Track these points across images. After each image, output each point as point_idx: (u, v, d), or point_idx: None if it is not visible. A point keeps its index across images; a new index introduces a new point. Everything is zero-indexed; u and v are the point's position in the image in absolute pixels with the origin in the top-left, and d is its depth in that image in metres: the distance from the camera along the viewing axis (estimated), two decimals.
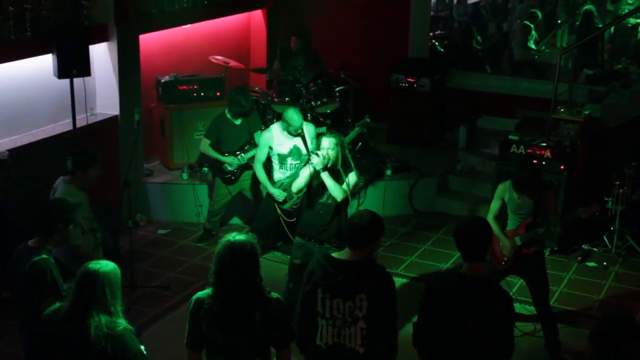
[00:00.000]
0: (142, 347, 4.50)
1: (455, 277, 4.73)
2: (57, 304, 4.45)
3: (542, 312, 6.95)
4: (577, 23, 13.86)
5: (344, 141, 6.93)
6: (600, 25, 13.02)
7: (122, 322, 4.35)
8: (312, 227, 6.85)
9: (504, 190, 6.95)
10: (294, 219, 8.21)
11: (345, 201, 6.84)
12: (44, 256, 5.14)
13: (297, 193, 7.27)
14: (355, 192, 7.08)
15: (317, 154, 6.71)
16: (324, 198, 6.85)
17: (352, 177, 6.79)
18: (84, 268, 4.36)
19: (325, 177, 6.70)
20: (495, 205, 6.97)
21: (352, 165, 6.90)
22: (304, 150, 8.24)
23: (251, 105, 9.02)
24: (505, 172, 8.55)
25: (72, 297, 4.36)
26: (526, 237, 6.77)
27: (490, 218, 6.85)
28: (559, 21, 14.14)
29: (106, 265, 4.37)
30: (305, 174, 6.88)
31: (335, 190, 6.71)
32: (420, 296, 4.81)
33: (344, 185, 6.73)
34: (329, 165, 6.70)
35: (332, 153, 6.70)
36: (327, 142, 6.72)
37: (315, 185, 6.87)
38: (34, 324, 4.92)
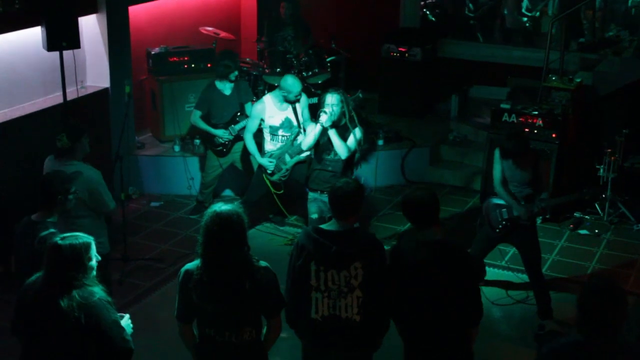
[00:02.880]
0: (127, 316, 4.52)
1: (413, 244, 4.77)
2: (38, 274, 4.43)
3: (534, 280, 7.01)
4: None
5: (348, 98, 7.15)
6: None
7: (97, 292, 4.33)
8: (323, 181, 7.13)
9: (499, 157, 6.97)
10: (282, 191, 8.40)
11: (353, 154, 7.22)
12: (52, 230, 5.14)
13: (306, 151, 7.79)
14: (361, 146, 7.41)
15: (324, 112, 7.07)
16: (332, 155, 7.24)
17: (358, 132, 7.19)
18: (51, 243, 4.33)
19: (332, 134, 7.10)
20: (497, 170, 6.96)
21: (356, 120, 7.25)
22: (295, 122, 8.25)
23: (238, 65, 8.95)
24: (497, 141, 8.55)
25: (44, 272, 4.34)
26: (527, 209, 6.79)
27: (497, 185, 6.93)
28: None
29: (75, 238, 4.32)
30: (314, 132, 7.27)
31: (341, 148, 7.11)
32: None
33: (352, 141, 7.10)
34: (334, 119, 7.07)
35: (336, 109, 7.10)
36: (332, 99, 7.13)
37: (322, 143, 7.26)
38: None
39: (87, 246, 4.36)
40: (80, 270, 4.29)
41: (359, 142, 7.25)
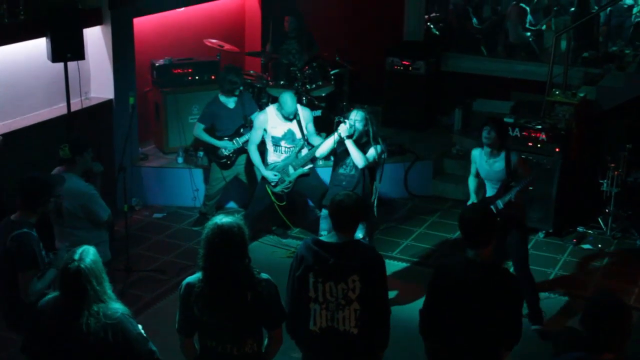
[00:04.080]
0: (140, 327, 4.49)
1: (463, 263, 4.68)
2: (53, 294, 4.39)
3: (522, 277, 6.88)
4: (572, 9, 13.80)
5: (372, 118, 7.32)
6: (595, 8, 12.98)
7: (119, 307, 4.31)
8: None
9: (476, 155, 7.18)
10: (284, 203, 8.41)
11: (374, 170, 7.30)
12: (25, 230, 5.16)
13: (321, 159, 8.00)
14: (378, 163, 7.42)
15: (344, 122, 7.18)
16: (347, 169, 7.28)
17: (378, 147, 7.23)
18: (64, 267, 4.25)
19: (350, 144, 7.16)
20: (472, 169, 7.28)
21: (380, 140, 7.31)
22: (298, 135, 8.28)
23: (242, 81, 8.97)
24: None
25: (61, 296, 4.29)
26: (506, 197, 6.85)
27: (470, 184, 7.34)
28: (555, 8, 14.10)
29: (86, 256, 4.26)
30: (330, 142, 7.40)
31: (358, 158, 7.14)
32: (416, 279, 4.83)
33: (372, 153, 7.19)
34: (354, 137, 7.14)
35: (359, 125, 7.16)
36: (355, 115, 7.22)
37: (339, 155, 7.34)
38: (12, 300, 4.93)
39: (98, 257, 4.35)
40: (102, 281, 4.27)
41: (379, 155, 7.26)
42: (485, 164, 7.03)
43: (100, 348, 4.19)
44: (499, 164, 6.93)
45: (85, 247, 4.37)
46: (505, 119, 9.26)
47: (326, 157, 9.15)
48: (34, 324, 4.42)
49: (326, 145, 7.52)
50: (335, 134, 7.23)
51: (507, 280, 4.64)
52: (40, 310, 4.39)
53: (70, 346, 4.22)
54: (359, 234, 6.95)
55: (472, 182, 7.38)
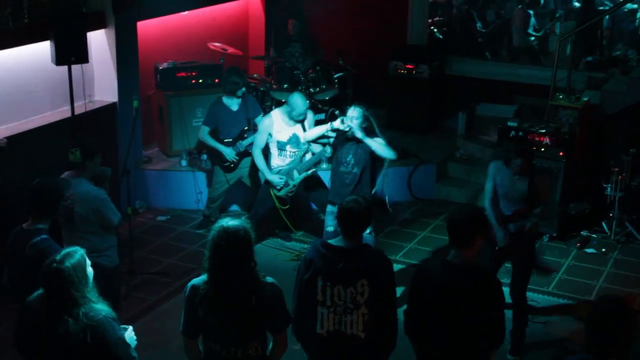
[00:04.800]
0: (130, 328, 4.49)
1: (442, 264, 4.69)
2: (38, 292, 4.39)
3: (516, 300, 6.75)
4: (577, 7, 13.80)
5: (372, 114, 7.35)
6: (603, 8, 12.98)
7: (102, 310, 4.30)
8: (342, 194, 7.02)
9: (496, 169, 6.84)
10: (288, 206, 8.40)
11: (373, 167, 7.34)
12: (43, 236, 5.16)
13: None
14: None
15: (342, 119, 7.24)
16: (349, 168, 7.27)
17: (380, 139, 7.27)
18: (43, 267, 4.26)
19: (369, 141, 7.19)
20: (489, 186, 6.85)
21: (378, 132, 7.36)
22: (303, 139, 8.26)
23: (246, 81, 8.97)
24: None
25: (43, 293, 4.30)
26: (520, 224, 6.67)
27: (487, 202, 6.82)
28: (557, 14, 14.10)
29: (67, 258, 4.24)
30: (320, 129, 7.55)
31: (383, 150, 7.22)
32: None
33: (384, 144, 7.24)
34: (349, 133, 7.19)
35: (355, 121, 7.15)
36: (352, 111, 7.22)
37: (337, 155, 7.37)
38: None
39: (83, 260, 4.34)
40: (81, 286, 4.25)
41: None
42: (507, 180, 6.71)
43: (79, 349, 4.19)
44: (522, 184, 6.66)
45: (72, 248, 4.37)
46: (509, 123, 9.27)
47: (329, 162, 9.20)
48: (20, 320, 4.43)
49: (315, 131, 7.67)
50: (328, 124, 7.41)
51: (486, 282, 4.61)
52: (26, 307, 4.42)
53: (53, 344, 4.24)
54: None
55: (489, 203, 6.87)
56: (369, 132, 7.24)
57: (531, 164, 6.74)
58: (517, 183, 6.68)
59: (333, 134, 7.45)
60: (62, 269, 4.19)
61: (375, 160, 7.38)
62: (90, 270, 4.38)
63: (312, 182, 8.42)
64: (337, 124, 7.28)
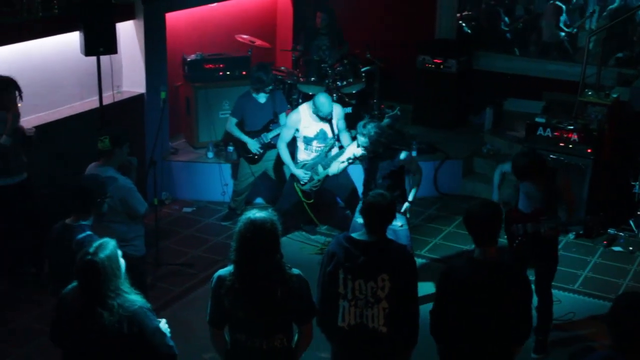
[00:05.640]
0: (164, 321, 4.51)
1: (467, 262, 4.71)
2: (73, 284, 4.43)
3: (541, 297, 6.66)
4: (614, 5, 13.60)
5: (393, 123, 7.23)
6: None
7: (137, 300, 4.34)
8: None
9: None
10: (312, 200, 8.44)
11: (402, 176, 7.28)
12: (88, 232, 5.19)
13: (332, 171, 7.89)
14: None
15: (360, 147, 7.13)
16: (381, 181, 7.14)
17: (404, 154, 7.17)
18: (78, 260, 4.29)
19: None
20: (495, 197, 6.96)
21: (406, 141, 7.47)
22: (330, 134, 8.27)
23: (272, 80, 8.98)
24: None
25: (77, 288, 4.34)
26: (536, 226, 6.52)
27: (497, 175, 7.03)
28: (590, 10, 13.93)
29: (101, 250, 4.28)
30: (341, 165, 7.54)
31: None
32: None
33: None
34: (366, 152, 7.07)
35: (365, 139, 6.96)
36: (363, 128, 6.98)
37: (367, 169, 7.25)
38: None
39: (116, 252, 4.37)
40: (115, 277, 4.29)
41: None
42: (531, 186, 6.61)
43: (116, 339, 4.23)
44: (539, 192, 6.57)
45: (104, 240, 4.40)
46: (537, 119, 9.20)
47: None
48: (56, 313, 4.47)
49: (336, 166, 7.65)
50: (347, 159, 7.42)
51: (511, 278, 4.63)
52: (62, 299, 4.45)
53: (89, 336, 4.27)
54: (397, 223, 7.00)
55: (497, 177, 7.08)
56: (399, 143, 7.27)
57: (541, 174, 6.54)
58: (539, 193, 6.58)
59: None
60: (97, 261, 4.22)
61: (403, 174, 7.33)
62: (122, 261, 4.41)
63: (337, 177, 8.40)
64: (356, 152, 7.25)
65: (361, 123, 7.10)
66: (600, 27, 11.30)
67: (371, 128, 6.96)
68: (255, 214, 4.38)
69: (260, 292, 4.36)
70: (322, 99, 8.13)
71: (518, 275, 4.70)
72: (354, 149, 7.31)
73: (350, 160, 7.43)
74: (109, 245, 4.35)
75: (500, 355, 4.70)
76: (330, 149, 8.29)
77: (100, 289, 4.22)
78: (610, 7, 12.10)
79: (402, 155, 7.11)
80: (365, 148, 7.03)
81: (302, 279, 4.48)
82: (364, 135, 6.98)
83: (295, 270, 4.48)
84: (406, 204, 7.24)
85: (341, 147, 8.26)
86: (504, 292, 4.54)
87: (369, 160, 7.18)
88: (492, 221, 4.64)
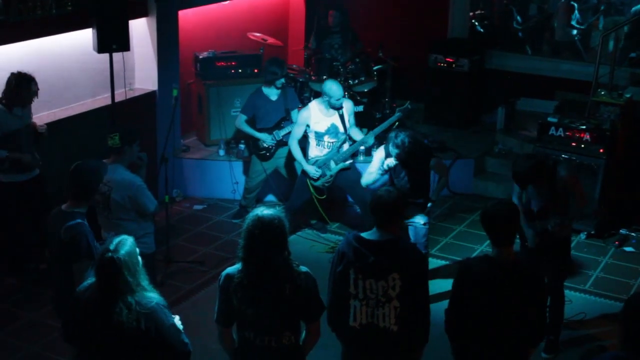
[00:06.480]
0: (177, 317, 4.52)
1: (486, 262, 4.70)
2: (89, 281, 4.45)
3: (552, 297, 6.56)
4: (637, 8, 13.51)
5: (416, 136, 7.30)
6: None
7: (154, 297, 4.36)
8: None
9: None
10: (324, 197, 8.47)
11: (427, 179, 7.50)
12: (78, 220, 5.20)
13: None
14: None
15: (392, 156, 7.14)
16: (402, 182, 7.22)
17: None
18: (99, 257, 4.31)
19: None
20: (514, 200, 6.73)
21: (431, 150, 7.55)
22: (341, 129, 8.26)
23: (285, 73, 8.97)
24: (543, 154, 8.46)
25: (96, 285, 4.35)
26: (544, 224, 6.46)
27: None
28: (602, 7, 13.88)
29: (121, 247, 4.30)
30: (375, 174, 7.41)
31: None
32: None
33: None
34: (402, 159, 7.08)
35: (399, 149, 6.99)
36: (396, 137, 7.01)
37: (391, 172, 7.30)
38: (66, 290, 4.98)
39: (135, 248, 4.39)
40: (136, 274, 4.32)
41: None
42: (534, 192, 6.54)
43: (133, 336, 4.24)
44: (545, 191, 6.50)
45: (122, 237, 4.41)
46: (549, 119, 9.17)
47: (367, 153, 9.24)
48: (71, 311, 4.48)
49: (371, 176, 7.49)
50: (384, 163, 7.29)
51: (529, 279, 4.63)
52: (77, 298, 4.46)
53: (106, 334, 4.27)
54: (420, 221, 7.10)
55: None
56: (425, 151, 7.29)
57: (541, 176, 6.37)
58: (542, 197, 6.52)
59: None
60: (118, 257, 4.23)
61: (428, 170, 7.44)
62: (140, 258, 4.43)
63: (349, 173, 8.40)
64: (390, 163, 7.21)
65: (392, 134, 7.12)
66: (615, 26, 11.25)
67: (404, 137, 6.98)
68: (263, 211, 4.40)
69: (268, 289, 4.37)
70: (331, 85, 8.14)
71: (535, 276, 4.70)
72: (381, 155, 7.31)
73: (382, 172, 7.38)
74: (128, 241, 4.37)
75: (515, 355, 4.71)
76: (342, 144, 8.29)
77: (121, 286, 4.24)
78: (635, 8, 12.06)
79: (432, 161, 7.27)
80: (399, 158, 7.05)
81: (310, 276, 4.49)
82: (397, 146, 6.99)
83: (303, 268, 4.49)
84: (429, 204, 7.32)
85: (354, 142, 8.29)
86: (521, 292, 4.55)
87: (399, 167, 7.23)
88: (510, 221, 4.65)
